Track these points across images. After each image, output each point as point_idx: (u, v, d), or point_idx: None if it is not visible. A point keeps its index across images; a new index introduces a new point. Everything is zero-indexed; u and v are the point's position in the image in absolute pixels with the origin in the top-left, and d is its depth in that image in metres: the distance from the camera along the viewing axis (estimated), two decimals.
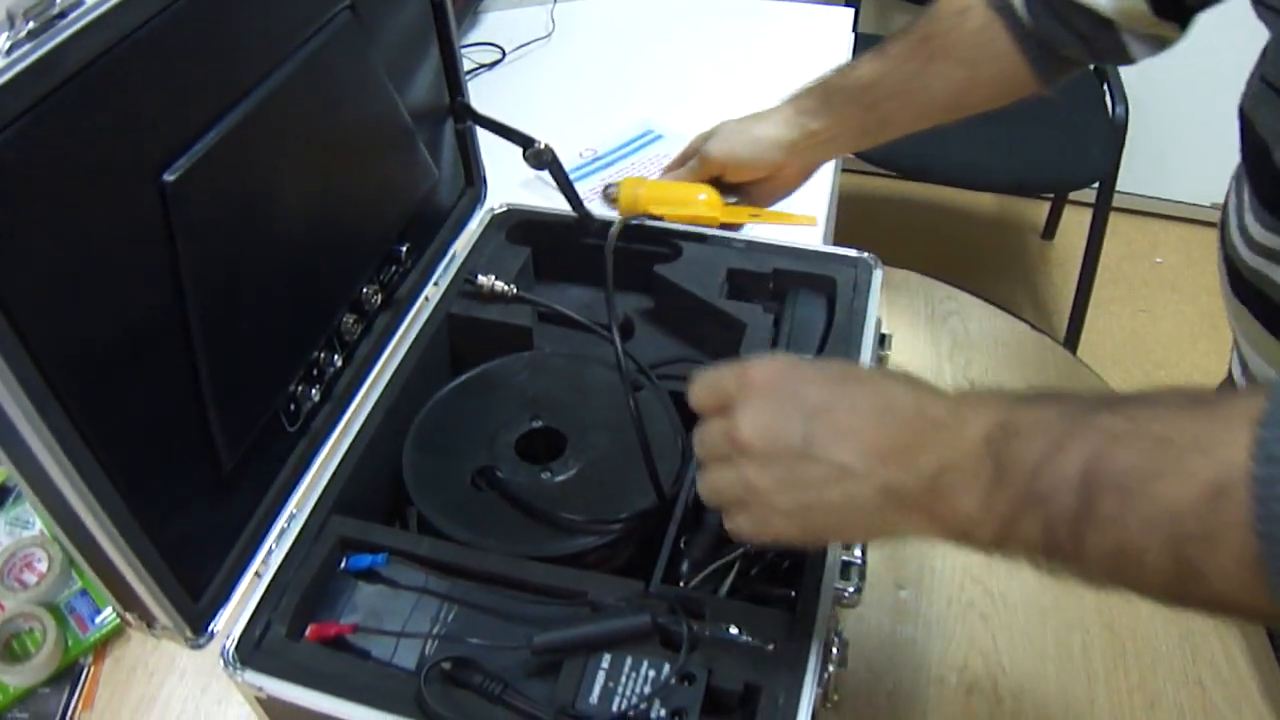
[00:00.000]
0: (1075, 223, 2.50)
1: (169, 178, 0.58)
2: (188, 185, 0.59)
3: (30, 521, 0.87)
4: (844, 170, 1.28)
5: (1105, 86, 2.12)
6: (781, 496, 0.57)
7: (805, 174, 1.03)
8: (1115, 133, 2.06)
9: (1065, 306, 2.28)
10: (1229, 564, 0.44)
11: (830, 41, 1.49)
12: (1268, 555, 0.43)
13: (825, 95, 0.97)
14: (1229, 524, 0.44)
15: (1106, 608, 0.86)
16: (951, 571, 0.89)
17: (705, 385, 0.62)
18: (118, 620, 0.82)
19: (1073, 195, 2.58)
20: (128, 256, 0.57)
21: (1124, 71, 2.11)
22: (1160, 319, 2.47)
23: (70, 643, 0.80)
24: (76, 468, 0.55)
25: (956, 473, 0.52)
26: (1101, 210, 2.14)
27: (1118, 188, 2.14)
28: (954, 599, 0.87)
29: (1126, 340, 2.40)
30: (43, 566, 0.83)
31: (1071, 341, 2.25)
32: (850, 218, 1.21)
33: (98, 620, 0.82)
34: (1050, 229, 2.67)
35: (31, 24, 0.49)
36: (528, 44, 1.51)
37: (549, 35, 1.52)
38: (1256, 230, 0.77)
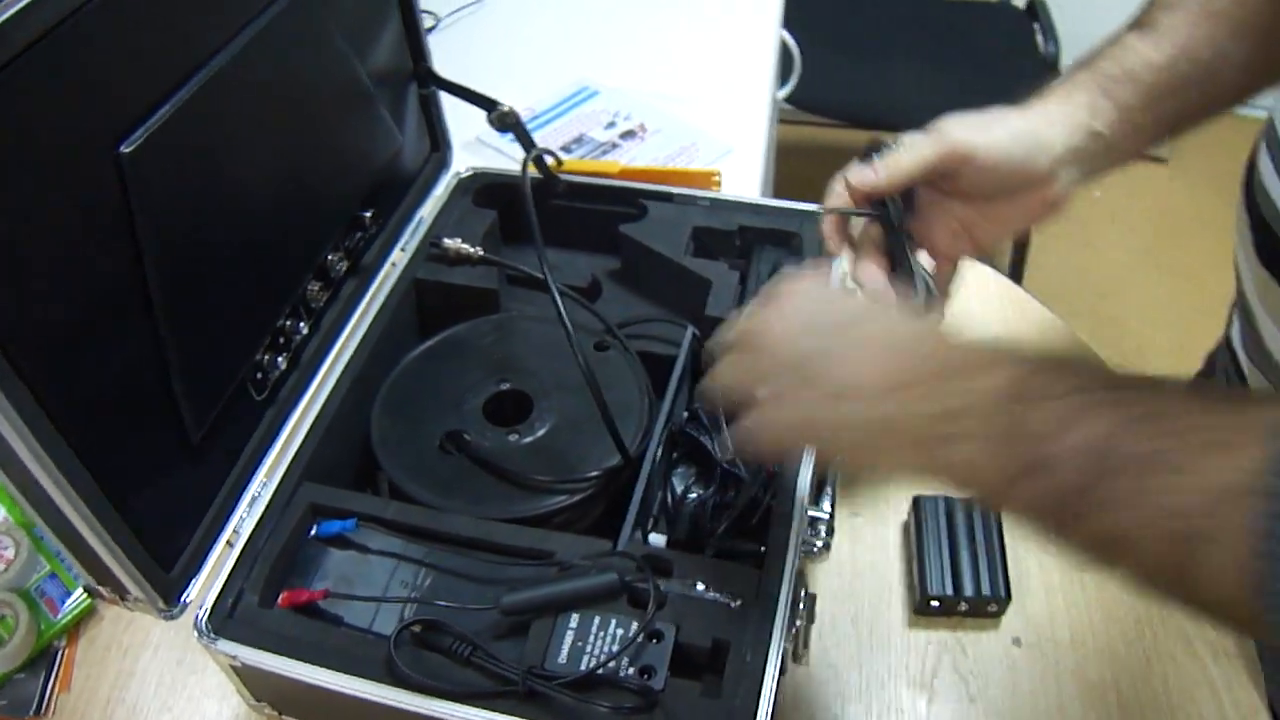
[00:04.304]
0: None
1: (126, 149, 0.57)
2: (145, 157, 0.58)
3: None
4: (779, 122, 1.29)
5: (1036, 25, 2.12)
6: (788, 398, 0.58)
7: (1063, 202, 0.74)
8: (1048, 70, 2.06)
9: (1007, 243, 2.29)
10: (1224, 573, 0.43)
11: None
12: (1265, 574, 0.42)
13: (1105, 85, 0.73)
14: (1233, 531, 0.43)
15: None
16: (903, 497, 0.90)
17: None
18: (89, 601, 0.82)
19: None
20: (87, 229, 0.57)
21: (1055, 9, 2.11)
22: (1102, 251, 2.49)
23: (43, 626, 0.80)
24: (41, 442, 0.54)
25: (958, 423, 0.52)
26: None
27: None
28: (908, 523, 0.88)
29: (1070, 274, 2.42)
30: (10, 553, 0.83)
31: (1015, 278, 2.26)
32: (787, 169, 1.21)
33: (68, 602, 0.82)
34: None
35: None
36: (461, 9, 1.51)
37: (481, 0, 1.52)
38: None
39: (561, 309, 0.73)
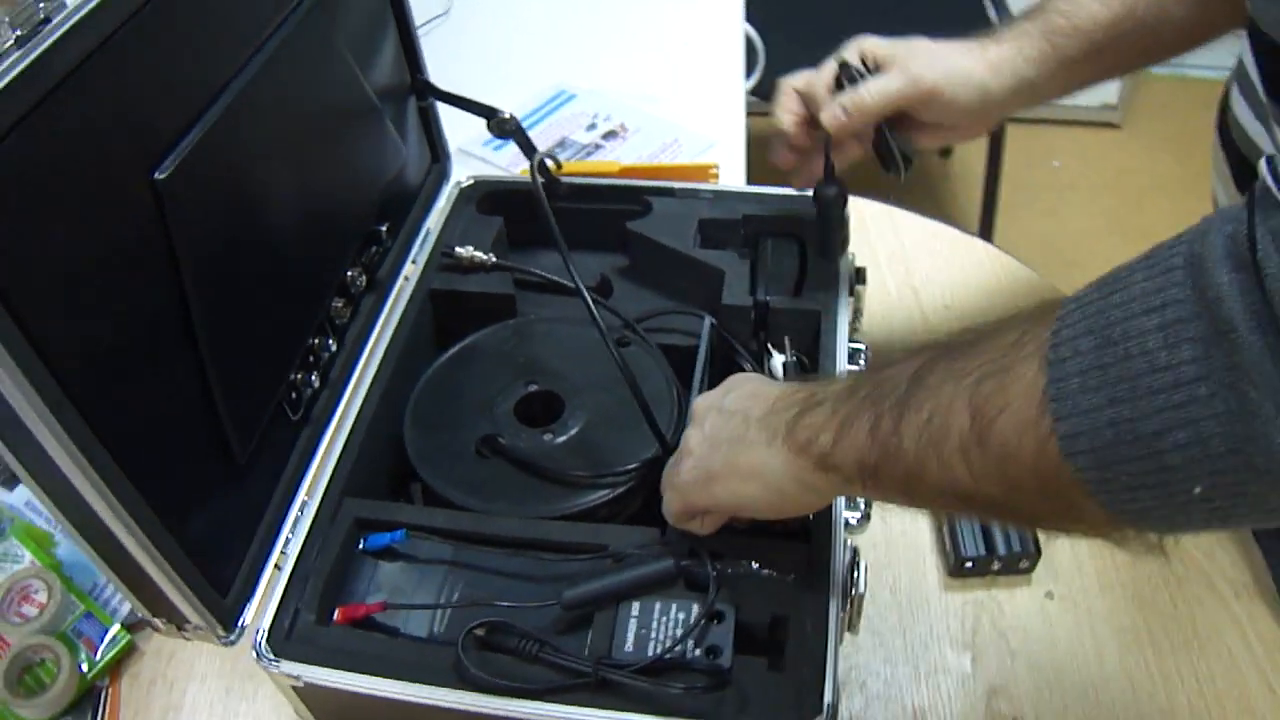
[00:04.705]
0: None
1: (160, 175, 0.58)
2: (179, 181, 0.59)
3: (20, 554, 0.85)
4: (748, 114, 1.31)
5: (990, 4, 2.14)
6: (696, 440, 0.65)
7: (992, 129, 0.91)
8: None
9: (973, 219, 2.31)
10: (1016, 397, 0.46)
11: None
12: (1050, 380, 0.44)
13: (1051, 37, 0.80)
14: (1024, 358, 0.46)
15: None
16: None
17: None
18: (129, 638, 0.81)
19: None
20: (129, 257, 0.57)
21: None
22: (1066, 220, 2.53)
23: (86, 667, 0.79)
24: (99, 472, 0.55)
25: (818, 397, 0.59)
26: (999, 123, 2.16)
27: None
28: None
29: (1037, 244, 2.45)
30: (41, 597, 0.82)
31: None
32: (758, 159, 1.23)
33: (106, 639, 0.81)
34: (946, 147, 2.69)
35: (19, 31, 0.48)
36: (428, 23, 1.50)
37: (447, 12, 1.52)
38: None
39: (593, 309, 0.73)
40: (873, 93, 0.77)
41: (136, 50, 0.56)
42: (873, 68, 0.80)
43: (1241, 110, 0.80)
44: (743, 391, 0.65)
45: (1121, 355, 0.42)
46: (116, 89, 0.55)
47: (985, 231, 2.28)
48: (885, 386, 0.54)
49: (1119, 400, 0.42)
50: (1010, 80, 0.80)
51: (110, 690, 0.80)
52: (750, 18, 1.48)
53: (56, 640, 0.79)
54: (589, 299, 0.74)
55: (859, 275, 0.87)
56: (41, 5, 0.50)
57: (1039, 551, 0.83)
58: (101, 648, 0.80)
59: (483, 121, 0.89)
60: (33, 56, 0.49)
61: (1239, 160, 0.81)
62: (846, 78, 0.79)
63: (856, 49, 0.81)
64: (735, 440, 0.62)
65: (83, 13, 0.51)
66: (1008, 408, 0.46)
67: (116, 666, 0.81)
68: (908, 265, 1.09)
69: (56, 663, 0.78)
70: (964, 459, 0.49)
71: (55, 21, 0.50)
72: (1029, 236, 2.45)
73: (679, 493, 0.66)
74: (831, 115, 0.78)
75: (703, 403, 0.67)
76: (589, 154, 1.19)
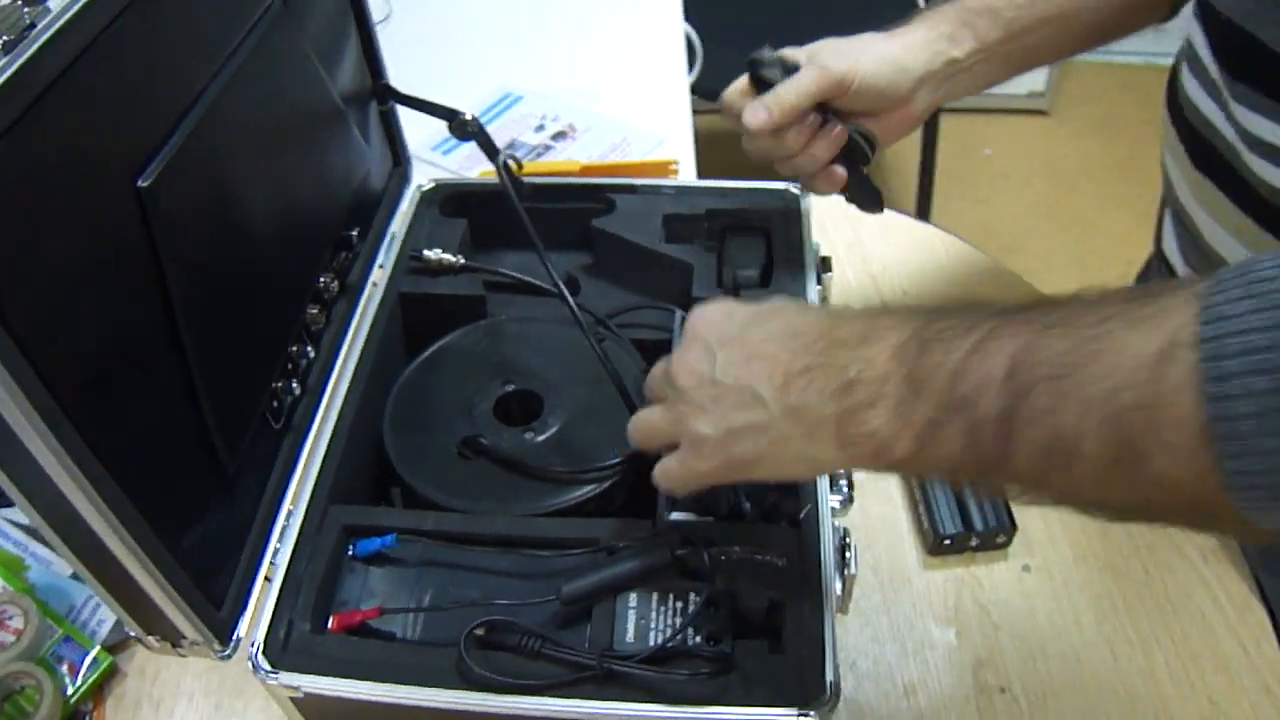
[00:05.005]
0: None
1: (144, 183, 0.57)
2: (162, 189, 0.58)
3: None
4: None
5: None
6: (704, 424, 0.58)
7: (923, 117, 0.85)
8: None
9: (908, 209, 2.35)
10: (1173, 434, 0.42)
11: None
12: (1215, 418, 0.40)
13: (967, 18, 0.82)
14: (1174, 388, 0.41)
15: None
16: None
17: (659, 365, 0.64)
18: (110, 659, 0.80)
19: None
20: (117, 267, 0.56)
21: None
22: (999, 207, 2.58)
23: (69, 691, 0.78)
24: (94, 485, 0.53)
25: (863, 389, 0.52)
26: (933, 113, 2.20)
27: None
28: None
29: (973, 232, 2.48)
30: (17, 623, 0.79)
31: None
32: (705, 157, 1.25)
33: (87, 662, 0.79)
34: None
35: (6, 37, 0.47)
36: None
37: (387, 17, 1.51)
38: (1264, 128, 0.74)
39: (574, 307, 0.74)
40: (788, 89, 0.78)
41: (118, 55, 0.55)
42: (789, 70, 0.80)
43: (1193, 88, 0.83)
44: (731, 356, 0.58)
45: None
46: (100, 94, 0.54)
47: (922, 212, 2.32)
48: (965, 388, 0.48)
49: None
50: (927, 55, 0.81)
51: (95, 714, 0.78)
52: (688, 16, 1.50)
53: (37, 666, 0.77)
54: (569, 298, 0.74)
55: (825, 263, 0.89)
56: (26, 10, 0.49)
57: (1014, 526, 0.85)
58: (83, 671, 0.79)
59: (430, 126, 0.89)
60: (20, 61, 0.47)
61: (1190, 134, 0.84)
62: (760, 82, 0.80)
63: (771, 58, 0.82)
64: (759, 429, 0.56)
65: (67, 17, 0.50)
66: (1165, 445, 0.42)
67: (100, 690, 0.79)
68: (865, 254, 1.10)
69: (38, 689, 0.76)
70: (1099, 483, 0.46)
71: (40, 26, 0.49)
72: (964, 224, 2.50)
73: (700, 477, 0.61)
74: (753, 113, 0.78)
75: (684, 369, 0.60)
76: (539, 155, 1.19)
